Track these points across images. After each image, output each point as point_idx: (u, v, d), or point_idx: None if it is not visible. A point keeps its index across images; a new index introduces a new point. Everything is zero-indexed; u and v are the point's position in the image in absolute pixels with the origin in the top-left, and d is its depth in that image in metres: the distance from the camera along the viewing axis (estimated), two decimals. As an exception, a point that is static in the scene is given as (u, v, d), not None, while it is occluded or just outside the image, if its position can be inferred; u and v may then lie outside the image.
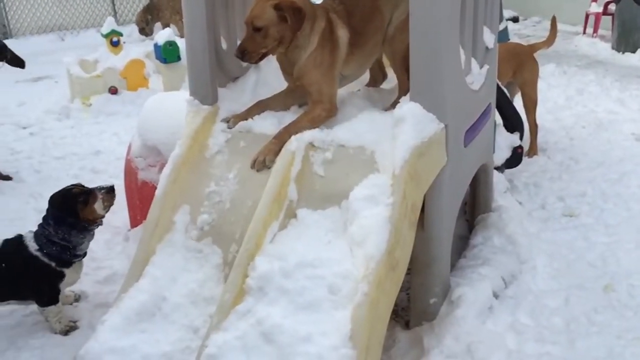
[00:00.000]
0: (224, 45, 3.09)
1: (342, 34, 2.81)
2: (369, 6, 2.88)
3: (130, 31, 10.58)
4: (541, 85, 6.24)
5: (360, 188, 2.46)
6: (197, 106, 2.92)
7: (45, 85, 7.94)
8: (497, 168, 3.87)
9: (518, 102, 4.77)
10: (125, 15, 11.93)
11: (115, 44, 6.94)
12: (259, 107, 2.90)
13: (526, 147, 4.74)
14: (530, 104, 4.80)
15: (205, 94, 2.92)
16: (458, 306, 2.77)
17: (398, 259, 2.32)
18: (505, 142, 3.90)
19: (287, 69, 2.85)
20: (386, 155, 2.50)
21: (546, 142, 4.96)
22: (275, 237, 2.46)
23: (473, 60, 2.91)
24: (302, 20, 2.65)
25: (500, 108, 4.04)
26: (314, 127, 2.71)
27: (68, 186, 2.95)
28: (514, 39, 8.19)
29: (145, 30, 10.11)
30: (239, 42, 3.14)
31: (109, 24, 6.91)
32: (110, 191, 2.92)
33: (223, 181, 2.71)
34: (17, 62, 4.49)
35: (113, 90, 6.58)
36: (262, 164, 2.67)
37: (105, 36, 6.91)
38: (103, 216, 2.95)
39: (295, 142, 2.64)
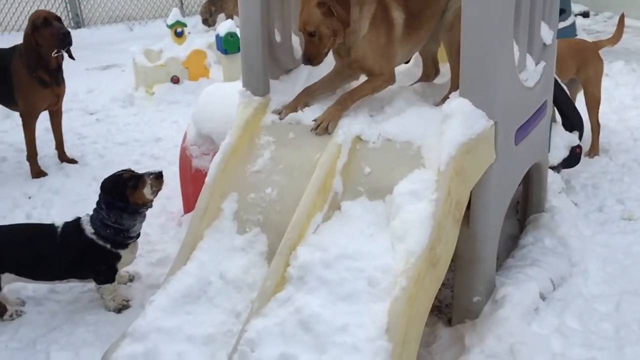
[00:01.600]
0: (278, 38, 3.14)
1: (397, 15, 2.83)
2: None
3: (196, 22, 10.85)
4: (608, 83, 6.03)
5: (404, 183, 2.46)
6: (249, 97, 2.98)
7: (113, 73, 8.25)
8: (553, 167, 3.77)
9: (581, 100, 4.63)
10: (191, 6, 12.24)
11: (179, 35, 7.14)
12: (307, 94, 2.94)
13: (586, 147, 4.61)
14: (593, 103, 4.64)
15: (257, 85, 2.98)
16: (502, 306, 2.73)
17: (439, 255, 2.31)
18: (562, 141, 3.79)
19: (342, 52, 2.89)
20: (433, 151, 2.49)
21: (609, 143, 4.78)
22: (318, 228, 2.49)
23: (528, 57, 2.84)
24: (348, 6, 2.66)
25: (559, 106, 3.94)
26: (373, 94, 2.86)
27: (118, 171, 3.08)
28: (581, 34, 7.92)
29: (209, 21, 10.34)
30: (293, 35, 3.22)
31: (174, 15, 7.12)
32: (158, 177, 3.03)
33: (271, 171, 2.75)
34: (70, 53, 4.68)
35: (175, 80, 6.77)
36: (324, 130, 2.74)
37: (170, 27, 7.12)
38: (152, 200, 3.06)
39: (342, 135, 2.66)
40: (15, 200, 4.45)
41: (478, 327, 2.71)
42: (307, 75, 3.21)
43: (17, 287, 3.25)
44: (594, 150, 4.61)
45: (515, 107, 2.68)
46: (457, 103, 2.48)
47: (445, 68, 3.09)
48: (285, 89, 3.10)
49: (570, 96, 4.72)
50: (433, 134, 2.54)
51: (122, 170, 3.09)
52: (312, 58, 2.76)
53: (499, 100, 2.50)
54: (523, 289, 2.80)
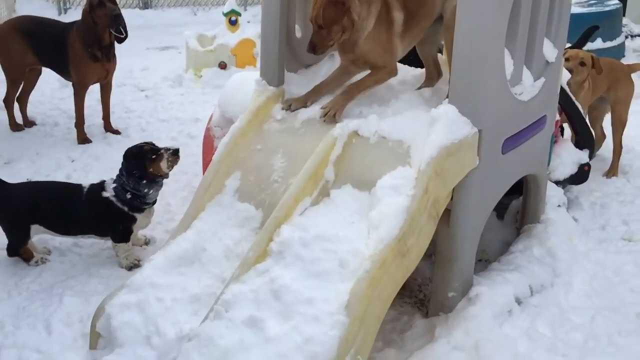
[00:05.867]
0: (299, 34, 3.37)
1: (398, 16, 3.03)
2: None
3: (257, 12, 11.18)
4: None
5: (388, 177, 2.65)
6: (263, 86, 3.23)
7: (170, 54, 8.67)
8: (558, 182, 3.86)
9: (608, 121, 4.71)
10: (255, -5, 12.57)
11: (233, 23, 7.47)
12: (316, 92, 3.15)
13: (607, 167, 4.65)
14: (619, 124, 4.67)
15: (272, 76, 3.22)
16: (474, 303, 2.89)
17: (410, 247, 2.49)
18: (570, 157, 3.88)
19: (346, 48, 3.07)
20: (418, 151, 2.67)
21: (630, 165, 4.78)
22: (306, 211, 2.71)
23: (526, 72, 2.97)
24: (343, 13, 2.83)
25: (572, 124, 4.02)
26: (377, 85, 3.09)
27: (140, 143, 3.39)
28: (631, 55, 7.83)
29: (268, 12, 10.64)
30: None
31: (230, 4, 7.45)
32: (175, 153, 3.34)
33: (274, 155, 2.97)
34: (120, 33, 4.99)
35: (222, 65, 7.11)
36: (332, 118, 2.98)
37: (225, 15, 7.46)
38: (167, 173, 3.36)
39: (340, 129, 2.86)
40: (60, 162, 4.88)
41: (450, 320, 2.87)
42: (326, 71, 3.43)
43: (47, 238, 3.63)
44: (612, 171, 4.64)
45: (504, 118, 2.81)
46: (444, 109, 2.65)
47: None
48: (300, 82, 3.33)
49: (598, 115, 4.79)
50: (422, 135, 2.71)
51: (144, 143, 3.40)
52: (316, 47, 2.94)
53: (484, 109, 2.66)
54: (497, 291, 2.95)
